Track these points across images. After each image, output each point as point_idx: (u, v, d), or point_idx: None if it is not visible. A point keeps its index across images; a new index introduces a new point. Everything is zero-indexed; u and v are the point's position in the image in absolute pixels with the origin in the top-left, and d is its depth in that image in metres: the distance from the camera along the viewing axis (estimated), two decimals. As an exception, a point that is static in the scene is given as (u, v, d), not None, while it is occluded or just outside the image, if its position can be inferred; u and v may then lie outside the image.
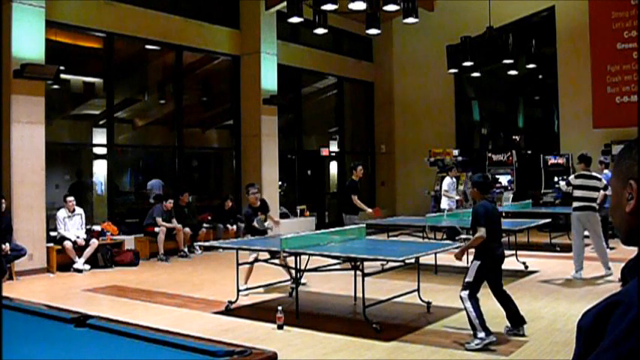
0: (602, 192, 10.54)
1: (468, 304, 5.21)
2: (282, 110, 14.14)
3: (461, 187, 14.66)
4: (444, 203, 11.68)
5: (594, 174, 8.43)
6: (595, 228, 8.23)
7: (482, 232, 5.32)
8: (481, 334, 5.13)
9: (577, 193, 8.28)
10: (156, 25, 12.03)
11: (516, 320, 5.53)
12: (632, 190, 1.10)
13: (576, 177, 8.48)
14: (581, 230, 8.29)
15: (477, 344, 5.10)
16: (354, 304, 6.85)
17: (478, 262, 5.33)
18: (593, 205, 8.22)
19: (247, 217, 8.13)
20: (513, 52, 13.38)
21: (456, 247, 7.56)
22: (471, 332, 5.47)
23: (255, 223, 8.00)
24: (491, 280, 5.50)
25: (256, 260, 7.61)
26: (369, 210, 9.59)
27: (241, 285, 7.29)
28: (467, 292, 5.25)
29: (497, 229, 5.55)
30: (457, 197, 12.00)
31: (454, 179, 12.00)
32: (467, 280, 5.32)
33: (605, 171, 10.77)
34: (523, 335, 5.49)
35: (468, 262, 9.24)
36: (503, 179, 14.91)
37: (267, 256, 7.21)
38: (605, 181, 10.71)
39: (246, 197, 8.32)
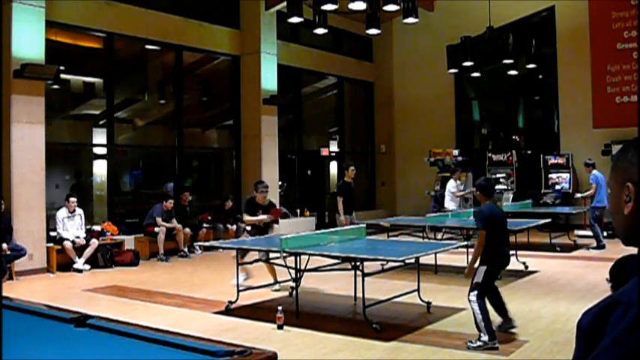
0: (591, 190, 10.62)
1: (475, 306, 5.17)
2: (282, 110, 14.13)
3: (461, 187, 14.70)
4: (448, 203, 11.79)
5: None
6: None
7: (482, 236, 5.34)
8: (484, 338, 5.10)
9: None
10: (156, 25, 12.03)
11: (501, 312, 5.59)
12: (630, 193, 1.11)
13: None
14: None
15: (478, 345, 5.09)
16: (354, 304, 6.85)
17: (484, 267, 5.31)
18: None
19: (247, 202, 8.06)
20: (513, 52, 13.38)
21: (456, 248, 7.59)
22: (472, 333, 5.47)
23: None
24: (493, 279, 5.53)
25: (257, 260, 7.64)
26: (342, 217, 9.63)
27: (274, 286, 7.70)
28: (475, 292, 5.22)
29: (503, 230, 5.55)
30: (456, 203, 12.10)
31: (458, 182, 12.11)
32: (475, 280, 5.30)
33: (594, 171, 10.83)
34: (514, 326, 5.55)
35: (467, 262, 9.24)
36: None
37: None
38: (591, 181, 10.81)
39: (255, 194, 8.00)
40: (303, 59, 15.39)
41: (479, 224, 5.46)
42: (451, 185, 11.89)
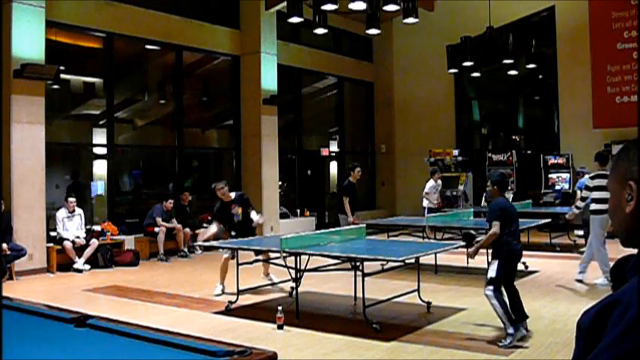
0: (578, 194, 10.55)
1: (494, 301, 5.21)
2: (282, 110, 14.13)
3: (461, 187, 14.71)
4: (424, 202, 11.77)
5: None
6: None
7: (496, 227, 5.28)
8: (510, 330, 5.15)
9: (595, 194, 7.64)
10: (156, 25, 12.03)
11: (518, 315, 5.51)
12: (632, 191, 1.10)
13: (593, 177, 7.86)
14: (603, 235, 7.77)
15: (509, 342, 5.11)
16: (354, 304, 6.85)
17: (497, 261, 5.31)
18: None
19: (218, 210, 8.13)
20: (513, 52, 13.38)
21: (456, 248, 7.59)
22: (472, 333, 5.48)
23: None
24: (506, 274, 5.47)
25: (256, 260, 7.65)
26: (351, 218, 9.48)
27: (218, 288, 7.71)
28: (491, 287, 5.24)
29: (514, 224, 5.46)
30: (436, 201, 12.05)
31: (438, 182, 12.05)
32: (490, 275, 5.30)
33: (581, 178, 10.83)
34: (527, 330, 5.48)
35: (467, 262, 9.26)
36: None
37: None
38: (576, 188, 10.79)
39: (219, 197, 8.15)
40: (303, 59, 15.39)
41: (492, 215, 5.38)
42: (427, 186, 11.87)
